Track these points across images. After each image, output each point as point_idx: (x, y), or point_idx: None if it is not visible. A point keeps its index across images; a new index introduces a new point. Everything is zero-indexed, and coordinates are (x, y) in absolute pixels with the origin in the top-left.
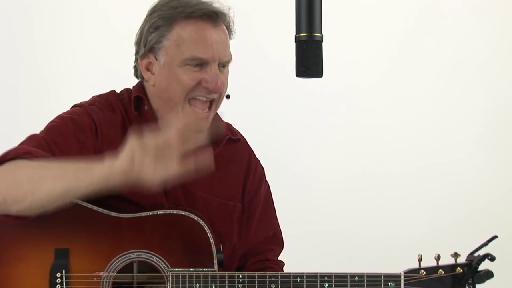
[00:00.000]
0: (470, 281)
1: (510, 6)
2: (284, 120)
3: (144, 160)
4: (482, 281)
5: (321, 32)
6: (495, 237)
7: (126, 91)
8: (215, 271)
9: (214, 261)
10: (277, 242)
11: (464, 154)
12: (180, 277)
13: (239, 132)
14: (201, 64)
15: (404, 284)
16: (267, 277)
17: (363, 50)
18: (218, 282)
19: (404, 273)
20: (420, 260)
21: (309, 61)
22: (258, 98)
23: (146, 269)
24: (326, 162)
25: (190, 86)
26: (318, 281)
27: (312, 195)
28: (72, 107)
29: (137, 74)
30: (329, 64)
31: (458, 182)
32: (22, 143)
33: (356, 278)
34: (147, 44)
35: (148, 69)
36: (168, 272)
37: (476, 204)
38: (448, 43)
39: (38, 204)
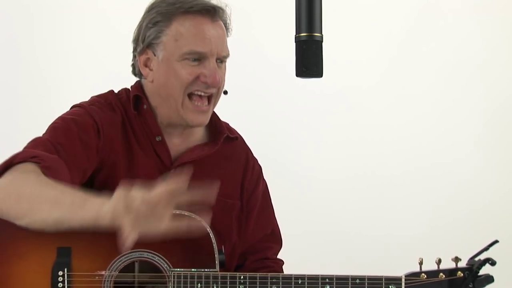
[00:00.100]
0: (470, 286)
1: (510, 6)
2: (284, 120)
3: (124, 215)
4: (482, 285)
5: (321, 32)
6: (496, 241)
7: (125, 90)
8: (217, 271)
9: (216, 262)
10: (276, 240)
11: (464, 154)
12: (182, 277)
13: (236, 131)
14: (199, 59)
15: (405, 287)
16: (269, 278)
17: (363, 50)
18: (219, 283)
19: (405, 276)
20: (421, 263)
21: (309, 61)
22: (258, 98)
23: (148, 269)
24: (326, 162)
25: (189, 80)
26: (319, 283)
27: (312, 195)
28: (72, 107)
29: (135, 71)
30: (329, 64)
31: (458, 182)
32: (27, 147)
33: (357, 281)
34: (145, 40)
35: (146, 65)
36: (170, 272)
37: (476, 204)
38: (448, 43)
39: (34, 225)
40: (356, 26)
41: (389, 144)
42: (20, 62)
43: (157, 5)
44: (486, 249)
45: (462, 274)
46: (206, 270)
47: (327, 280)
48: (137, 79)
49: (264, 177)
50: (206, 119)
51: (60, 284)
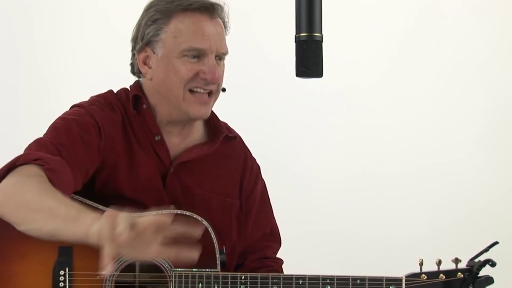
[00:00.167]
0: (470, 287)
1: (510, 6)
2: (284, 120)
3: (107, 240)
4: (482, 286)
5: (321, 32)
6: (496, 243)
7: (124, 90)
8: (218, 271)
9: (217, 262)
10: (275, 239)
11: (464, 154)
12: (183, 277)
13: (235, 131)
14: (198, 56)
15: None
16: (270, 278)
17: (363, 50)
18: (220, 283)
19: (406, 277)
20: (421, 264)
21: (309, 61)
22: (258, 98)
23: (149, 269)
24: (326, 162)
25: (188, 77)
26: (320, 283)
27: (312, 195)
28: (72, 107)
29: (133, 70)
30: (329, 64)
31: (458, 182)
32: (29, 148)
33: (358, 281)
34: (145, 37)
35: (145, 63)
36: (171, 272)
37: (476, 204)
38: (448, 43)
39: (30, 233)
40: (356, 26)
41: (389, 144)
42: (20, 62)
43: (156, 3)
44: (486, 250)
45: (462, 275)
46: (207, 270)
47: (327, 281)
48: (136, 78)
49: (264, 177)
50: (207, 111)
51: (61, 284)
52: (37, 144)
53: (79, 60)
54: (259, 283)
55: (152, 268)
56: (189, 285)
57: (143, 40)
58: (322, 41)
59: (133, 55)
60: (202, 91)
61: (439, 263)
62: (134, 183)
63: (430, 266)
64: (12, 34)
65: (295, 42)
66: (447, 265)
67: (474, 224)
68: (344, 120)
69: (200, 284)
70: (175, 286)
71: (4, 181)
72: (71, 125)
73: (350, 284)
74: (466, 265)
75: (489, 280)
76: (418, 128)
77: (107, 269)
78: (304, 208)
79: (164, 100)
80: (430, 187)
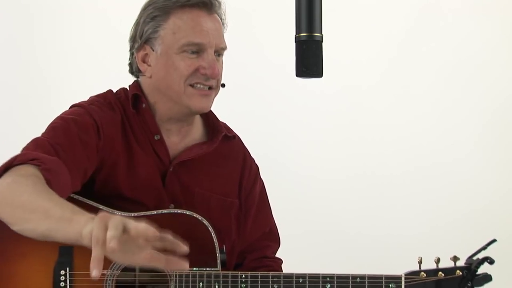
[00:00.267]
0: (469, 284)
1: (510, 6)
2: (284, 120)
3: (96, 244)
4: (480, 284)
5: (321, 32)
6: (494, 240)
7: (123, 90)
8: (218, 270)
9: (218, 261)
10: (274, 238)
11: (464, 154)
12: (184, 276)
13: (233, 131)
14: (197, 51)
15: (405, 286)
16: (270, 277)
17: (363, 50)
18: (221, 282)
19: (405, 275)
20: (420, 262)
21: (309, 61)
22: (258, 98)
23: (149, 268)
24: (326, 162)
25: (188, 72)
26: (320, 282)
27: (312, 195)
28: (71, 107)
29: (132, 70)
30: (329, 64)
31: (458, 182)
32: (26, 148)
33: (358, 279)
34: (143, 35)
35: (144, 61)
36: (172, 271)
37: (476, 204)
38: (448, 43)
39: (24, 233)
40: (356, 26)
41: (389, 144)
42: (20, 62)
43: (154, 1)
44: (484, 248)
45: (460, 273)
46: (207, 269)
47: (327, 279)
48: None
49: (263, 177)
50: (208, 103)
51: (62, 283)
52: (34, 144)
53: (79, 60)
54: (259, 282)
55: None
56: (190, 284)
57: (142, 38)
58: (322, 41)
59: (132, 54)
60: (202, 86)
61: (437, 261)
62: (133, 182)
63: (429, 265)
64: (12, 34)
65: (295, 42)
66: (446, 263)
67: (474, 224)
68: (344, 120)
69: (200, 283)
70: (175, 285)
71: (0, 181)
72: (69, 125)
73: (350, 282)
74: (465, 263)
75: (488, 277)
76: (418, 128)
77: (95, 272)
78: (304, 208)
79: (164, 96)
80: (430, 187)
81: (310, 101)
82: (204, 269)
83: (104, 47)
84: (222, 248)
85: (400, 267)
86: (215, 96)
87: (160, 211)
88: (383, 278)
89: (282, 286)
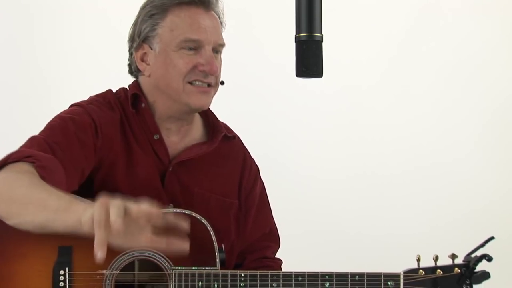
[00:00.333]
0: (467, 282)
1: (510, 6)
2: (284, 120)
3: (99, 227)
4: (479, 281)
5: (321, 32)
6: (491, 238)
7: (123, 90)
8: (218, 269)
9: (217, 260)
10: (274, 239)
11: (464, 154)
12: (183, 275)
13: (233, 132)
14: (195, 48)
15: (404, 284)
16: (269, 275)
17: (363, 50)
18: (220, 281)
19: (404, 272)
20: (418, 260)
21: (309, 61)
22: (258, 98)
23: (149, 267)
24: (326, 162)
25: (187, 69)
26: (319, 280)
27: (312, 195)
28: (70, 106)
29: (131, 71)
30: (329, 64)
31: (458, 182)
32: (23, 146)
33: (357, 278)
34: (141, 34)
35: (143, 60)
36: (171, 270)
37: (476, 204)
38: (448, 43)
39: (21, 226)
40: (356, 26)
41: (389, 144)
42: (20, 62)
43: (152, 0)
44: (482, 245)
45: (459, 271)
46: (207, 268)
47: (326, 277)
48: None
49: (263, 177)
50: (207, 100)
51: (61, 283)
52: (31, 142)
53: (79, 60)
54: (258, 281)
55: (151, 267)
56: (189, 283)
57: (140, 37)
58: (322, 41)
59: (131, 54)
60: (201, 83)
61: (436, 259)
62: (132, 182)
63: (427, 264)
64: (12, 34)
65: (295, 42)
66: (444, 261)
67: (474, 224)
68: (344, 120)
69: (199, 282)
70: (175, 285)
71: None
72: (67, 124)
73: (349, 280)
74: (463, 261)
75: (486, 275)
76: (418, 128)
77: (100, 254)
78: (304, 208)
79: (163, 95)
80: (430, 187)
81: (310, 101)
82: (203, 268)
83: (104, 47)
84: (221, 247)
85: (400, 267)
86: (214, 93)
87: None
88: (382, 276)
89: (281, 285)
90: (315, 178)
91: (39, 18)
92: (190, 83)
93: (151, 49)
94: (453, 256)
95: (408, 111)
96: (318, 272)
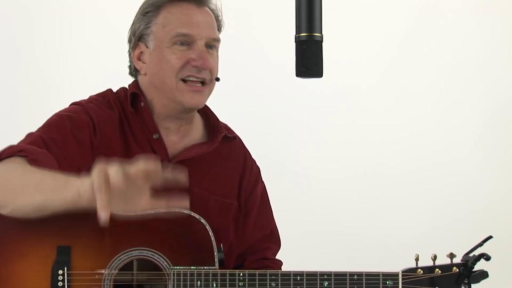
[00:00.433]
0: (466, 281)
1: (510, 6)
2: (284, 120)
3: (100, 190)
4: (477, 280)
5: (321, 32)
6: (490, 237)
7: (122, 89)
8: (216, 269)
9: (215, 259)
10: (274, 240)
11: (464, 154)
12: (182, 275)
13: (234, 132)
14: (188, 43)
15: (402, 283)
16: (268, 275)
17: (363, 50)
18: (219, 280)
19: (402, 272)
20: (417, 260)
21: (309, 61)
22: (258, 98)
23: (147, 267)
24: (326, 162)
25: (179, 65)
26: (318, 279)
27: (312, 195)
28: (70, 105)
29: (131, 71)
30: (329, 64)
31: (458, 182)
32: (20, 142)
33: (355, 277)
34: (137, 32)
35: (139, 59)
36: (170, 270)
37: (476, 204)
38: (448, 43)
39: (18, 212)
40: (356, 26)
41: (389, 144)
42: (20, 62)
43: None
44: (480, 245)
45: (457, 270)
46: (205, 267)
47: (325, 277)
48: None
49: (264, 177)
50: (201, 99)
51: (60, 283)
52: (26, 138)
53: (79, 60)
54: (257, 280)
55: (150, 266)
56: (188, 283)
57: (135, 36)
58: (322, 41)
59: (129, 54)
60: (195, 79)
61: (434, 258)
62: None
63: (426, 263)
64: (12, 34)
65: (295, 42)
66: (442, 261)
67: (474, 224)
68: (344, 120)
69: (198, 281)
70: (173, 284)
71: None
72: (64, 121)
73: (348, 279)
74: (461, 260)
75: (484, 274)
76: (418, 128)
77: (103, 215)
78: (304, 208)
79: (159, 93)
80: (430, 187)
81: (310, 101)
82: (202, 267)
83: (104, 47)
84: (220, 247)
85: (400, 267)
86: (209, 91)
87: (158, 210)
88: (380, 275)
89: (279, 284)
90: (315, 178)
91: (39, 18)
92: (184, 80)
93: (147, 47)
94: (452, 256)
95: (408, 111)
96: (317, 272)
